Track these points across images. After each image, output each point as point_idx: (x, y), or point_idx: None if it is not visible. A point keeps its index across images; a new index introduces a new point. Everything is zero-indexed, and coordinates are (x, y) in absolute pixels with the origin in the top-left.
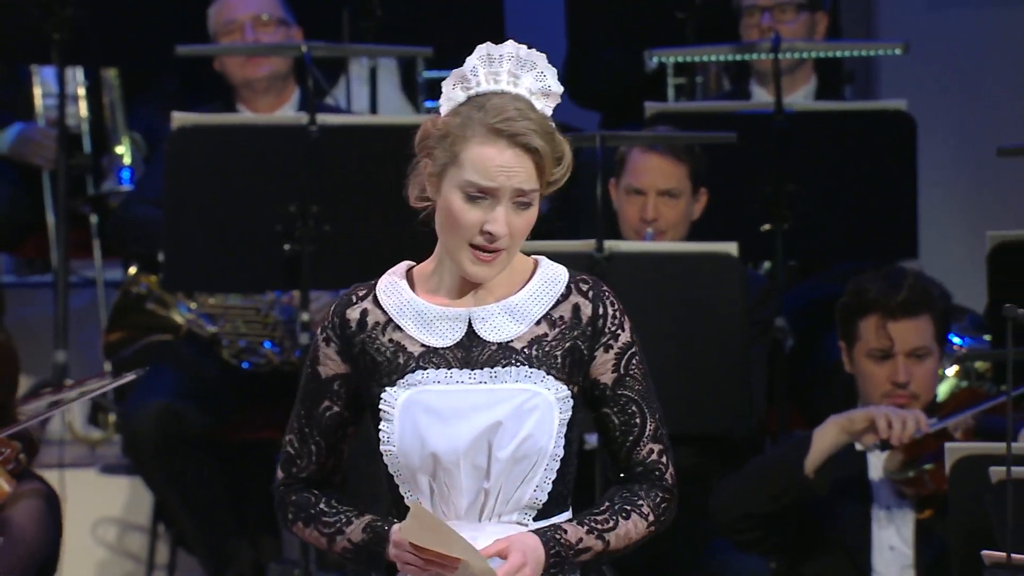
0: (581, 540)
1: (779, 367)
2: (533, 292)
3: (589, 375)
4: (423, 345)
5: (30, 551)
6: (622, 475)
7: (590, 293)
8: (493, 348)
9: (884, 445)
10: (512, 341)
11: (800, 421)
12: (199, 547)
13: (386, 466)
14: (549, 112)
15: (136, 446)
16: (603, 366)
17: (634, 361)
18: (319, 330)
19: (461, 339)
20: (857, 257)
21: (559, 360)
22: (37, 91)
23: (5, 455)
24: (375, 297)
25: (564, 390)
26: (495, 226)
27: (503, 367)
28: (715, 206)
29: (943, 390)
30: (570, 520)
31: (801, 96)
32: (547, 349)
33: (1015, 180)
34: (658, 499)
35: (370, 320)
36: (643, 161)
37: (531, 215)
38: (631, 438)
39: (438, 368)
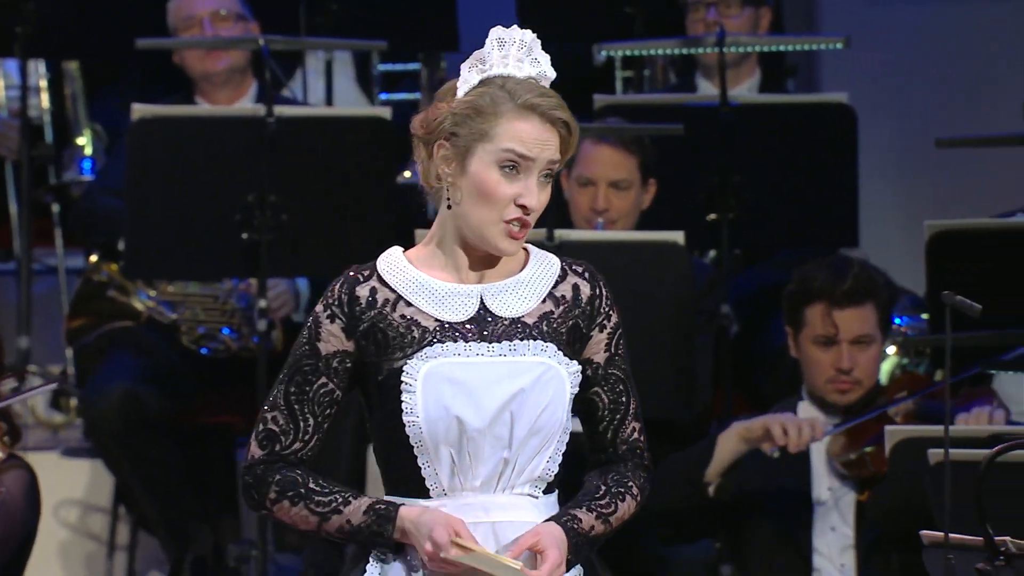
0: (593, 527)
1: (724, 353)
2: (534, 271)
3: (583, 354)
4: (437, 320)
5: (24, 519)
6: (603, 456)
7: (586, 275)
8: (507, 323)
9: (782, 451)
10: (524, 316)
11: (745, 405)
12: (159, 528)
13: (386, 442)
14: None
15: (98, 429)
16: (597, 345)
17: (621, 342)
18: (321, 307)
19: (475, 314)
20: (800, 245)
21: (565, 336)
22: (0, 83)
23: None
24: (379, 276)
25: (574, 365)
26: (530, 199)
27: (520, 340)
28: (662, 196)
29: (884, 369)
30: (578, 506)
31: (745, 89)
32: (555, 325)
33: (953, 170)
34: (642, 479)
35: (379, 297)
36: (594, 152)
37: (549, 190)
38: (618, 416)
39: (455, 341)
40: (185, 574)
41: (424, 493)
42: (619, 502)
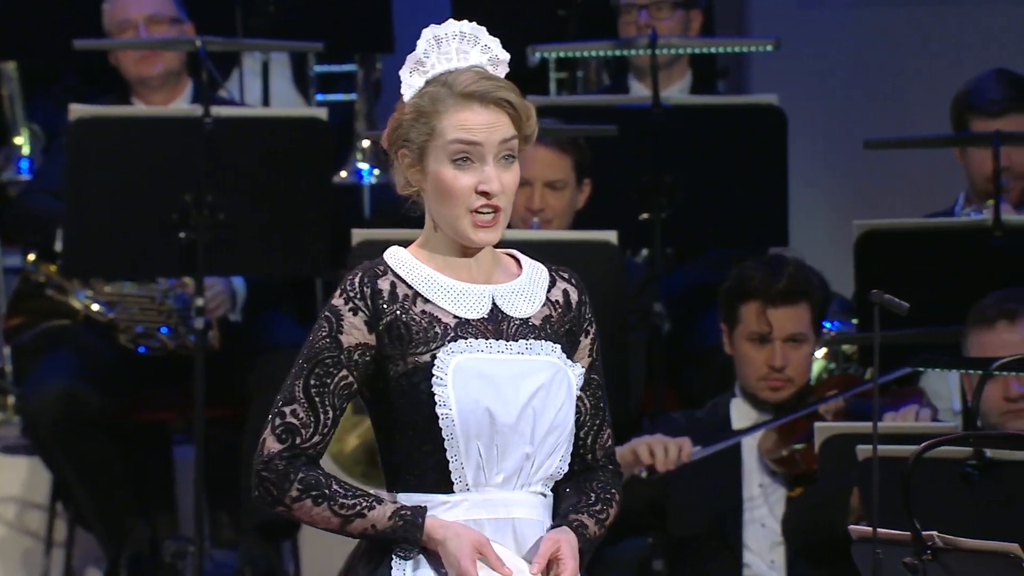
0: (596, 534)
1: (656, 350)
2: (530, 276)
3: (574, 359)
4: (456, 316)
5: None
6: (579, 462)
7: (572, 280)
8: (518, 323)
9: (650, 470)
10: (531, 318)
11: (676, 402)
12: (97, 524)
13: (405, 436)
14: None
15: (35, 427)
16: (583, 351)
17: (598, 346)
18: (342, 300)
19: (489, 313)
20: (731, 245)
21: (564, 339)
22: None
23: None
24: (393, 272)
25: (578, 367)
26: (490, 184)
27: (534, 339)
28: (595, 196)
29: (814, 371)
30: (579, 512)
31: (677, 90)
32: (555, 328)
33: (881, 172)
34: (619, 484)
35: (400, 292)
36: (529, 153)
37: (517, 171)
38: (598, 422)
39: (476, 338)
40: (122, 570)
41: (447, 487)
42: (609, 509)
